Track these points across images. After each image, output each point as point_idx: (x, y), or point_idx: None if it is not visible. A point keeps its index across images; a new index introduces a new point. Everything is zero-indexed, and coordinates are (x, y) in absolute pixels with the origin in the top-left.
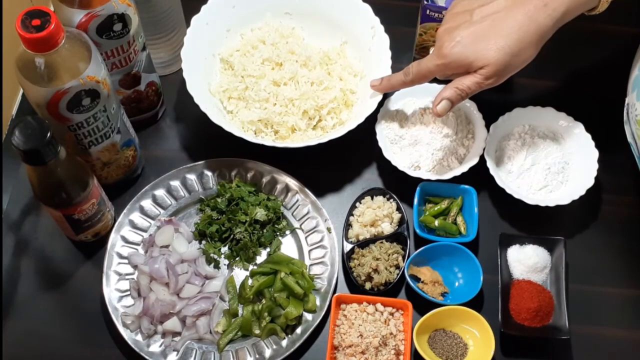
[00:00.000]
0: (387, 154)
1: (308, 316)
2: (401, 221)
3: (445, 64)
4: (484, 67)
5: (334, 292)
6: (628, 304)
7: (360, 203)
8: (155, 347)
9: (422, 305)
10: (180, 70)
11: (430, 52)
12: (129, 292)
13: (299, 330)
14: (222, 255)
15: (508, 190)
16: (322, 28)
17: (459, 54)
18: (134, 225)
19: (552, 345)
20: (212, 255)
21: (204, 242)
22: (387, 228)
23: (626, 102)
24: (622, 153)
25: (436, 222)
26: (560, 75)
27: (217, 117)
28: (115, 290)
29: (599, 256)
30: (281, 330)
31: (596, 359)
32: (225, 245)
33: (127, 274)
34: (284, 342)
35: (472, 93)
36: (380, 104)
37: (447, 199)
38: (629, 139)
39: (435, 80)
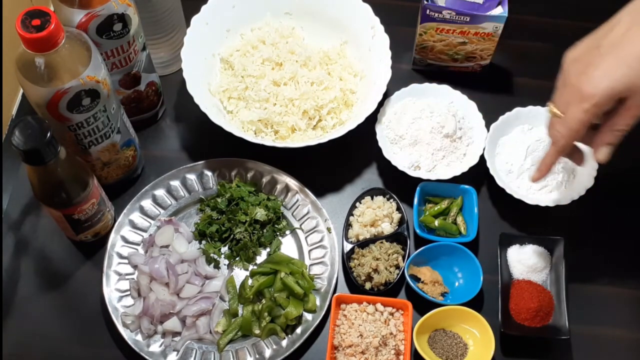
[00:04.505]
0: (387, 154)
1: (308, 316)
2: (401, 221)
3: (596, 104)
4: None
5: (334, 292)
6: (628, 304)
7: (360, 203)
8: (155, 347)
9: (422, 305)
10: (180, 70)
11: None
12: (129, 292)
13: (299, 330)
14: (222, 255)
15: (508, 190)
16: (322, 28)
17: (606, 87)
18: (134, 225)
19: (552, 345)
20: (212, 255)
21: (204, 242)
22: (387, 228)
23: None
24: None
25: (436, 222)
26: None
27: (217, 117)
28: (115, 290)
29: (599, 256)
30: (281, 330)
31: (596, 359)
32: (225, 245)
33: (127, 274)
34: (284, 342)
35: (631, 128)
36: (381, 104)
37: (447, 199)
38: None
39: (435, 80)
